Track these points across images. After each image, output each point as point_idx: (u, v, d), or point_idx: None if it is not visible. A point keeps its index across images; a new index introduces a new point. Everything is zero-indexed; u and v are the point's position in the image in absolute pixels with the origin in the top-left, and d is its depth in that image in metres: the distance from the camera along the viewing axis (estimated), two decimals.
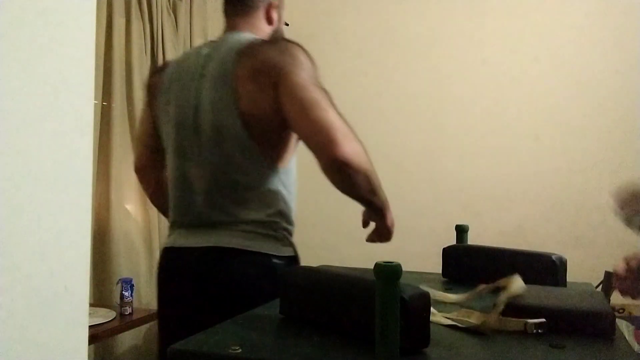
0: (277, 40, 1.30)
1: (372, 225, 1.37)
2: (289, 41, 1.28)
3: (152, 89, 1.45)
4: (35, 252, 0.74)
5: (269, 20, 1.42)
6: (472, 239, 1.55)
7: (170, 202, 1.42)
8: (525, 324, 0.91)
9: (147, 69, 2.52)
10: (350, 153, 1.15)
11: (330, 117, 1.17)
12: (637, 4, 2.81)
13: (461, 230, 1.53)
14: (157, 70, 1.50)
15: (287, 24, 1.53)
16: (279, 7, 1.43)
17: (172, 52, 2.62)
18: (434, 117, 3.14)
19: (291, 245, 1.33)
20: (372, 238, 1.36)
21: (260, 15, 1.40)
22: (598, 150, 2.87)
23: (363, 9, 3.28)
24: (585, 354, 0.83)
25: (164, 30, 2.58)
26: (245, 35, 1.34)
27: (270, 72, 1.21)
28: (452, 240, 1.52)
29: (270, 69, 1.21)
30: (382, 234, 1.35)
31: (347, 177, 1.17)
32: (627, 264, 1.11)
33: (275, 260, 1.27)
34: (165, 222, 2.48)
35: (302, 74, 1.21)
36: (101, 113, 2.33)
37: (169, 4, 2.65)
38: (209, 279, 1.27)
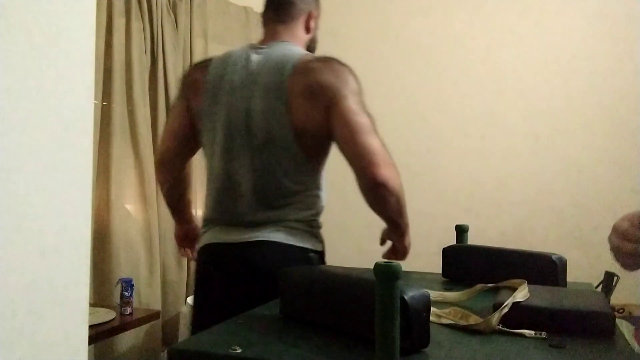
0: (328, 59, 1.37)
1: (388, 244, 1.45)
2: (340, 63, 1.36)
3: (193, 85, 1.46)
4: (35, 252, 0.74)
5: (307, 29, 1.49)
6: (472, 239, 1.55)
7: (209, 200, 1.45)
8: (524, 335, 0.91)
9: (147, 69, 2.52)
10: (388, 177, 1.26)
11: (375, 142, 1.27)
12: (638, 4, 2.81)
13: (461, 230, 1.53)
14: (198, 67, 1.50)
15: None
16: (316, 17, 1.51)
17: (172, 52, 2.61)
18: (434, 117, 3.14)
19: (322, 241, 1.43)
20: (388, 256, 1.44)
21: (300, 24, 1.47)
22: (598, 151, 2.87)
23: (362, 8, 3.28)
24: (585, 354, 0.83)
25: (164, 30, 2.58)
26: (294, 48, 1.41)
27: (325, 94, 1.30)
28: (452, 240, 1.53)
29: (325, 91, 1.31)
30: (398, 252, 1.43)
31: (382, 198, 1.28)
32: (631, 222, 0.98)
33: (311, 254, 1.37)
34: (165, 222, 2.49)
35: (354, 99, 1.31)
36: (101, 113, 2.32)
37: (169, 4, 2.64)
38: (252, 270, 1.33)
